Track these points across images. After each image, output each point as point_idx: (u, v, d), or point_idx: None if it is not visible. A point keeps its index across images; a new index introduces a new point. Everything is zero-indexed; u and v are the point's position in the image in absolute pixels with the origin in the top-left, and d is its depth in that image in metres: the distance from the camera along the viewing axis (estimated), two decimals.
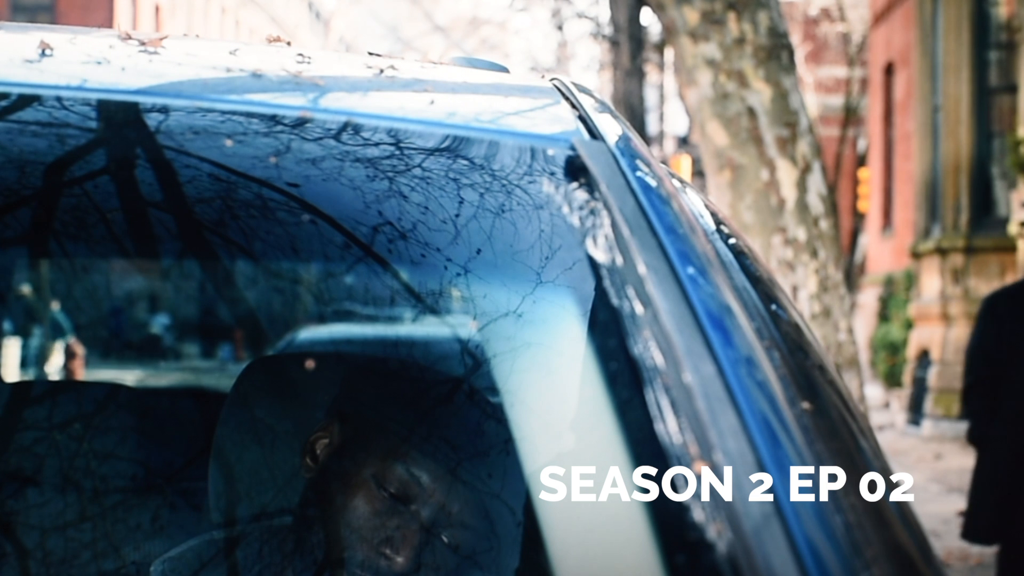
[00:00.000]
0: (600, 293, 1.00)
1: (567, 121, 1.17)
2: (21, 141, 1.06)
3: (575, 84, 1.29)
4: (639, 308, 0.95)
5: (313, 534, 1.31)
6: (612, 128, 1.16)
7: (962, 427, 6.31)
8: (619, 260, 0.99)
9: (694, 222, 1.08)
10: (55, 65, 1.11)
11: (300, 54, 1.25)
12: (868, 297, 16.97)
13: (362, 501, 1.28)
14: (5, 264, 1.73)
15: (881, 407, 14.50)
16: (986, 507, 4.71)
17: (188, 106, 1.09)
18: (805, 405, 0.94)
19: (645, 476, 0.87)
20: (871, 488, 1.00)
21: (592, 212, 1.04)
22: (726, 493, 0.81)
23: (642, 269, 0.96)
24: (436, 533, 1.29)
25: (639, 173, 1.08)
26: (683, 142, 24.98)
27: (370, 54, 1.38)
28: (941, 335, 12.29)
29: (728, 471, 0.82)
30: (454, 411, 1.38)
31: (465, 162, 1.11)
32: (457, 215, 1.09)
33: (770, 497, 0.81)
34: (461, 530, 1.30)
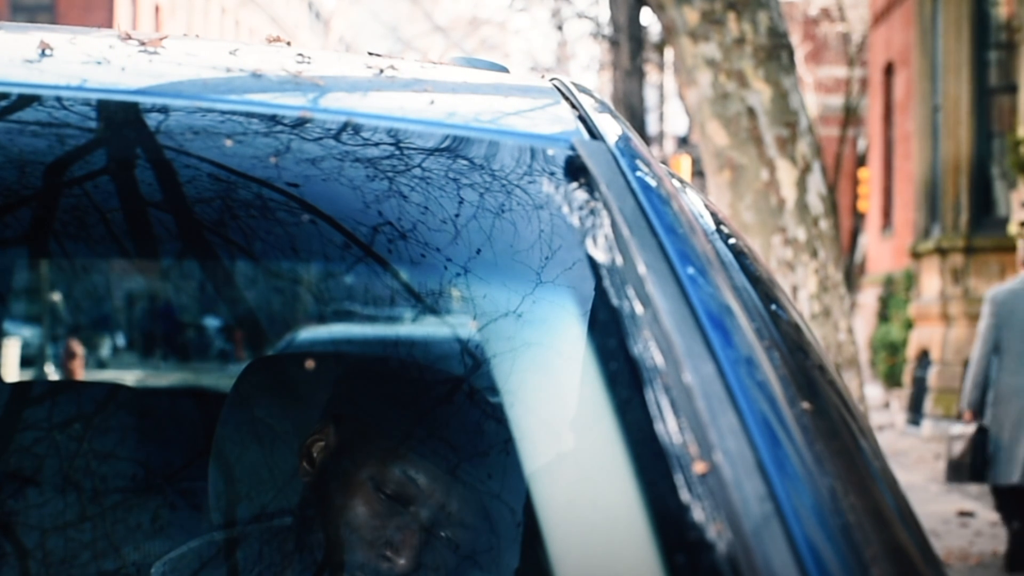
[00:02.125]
0: (600, 293, 0.99)
1: (567, 121, 1.17)
2: (21, 141, 1.06)
3: (575, 84, 1.29)
4: (639, 308, 0.95)
5: (313, 535, 1.31)
6: (612, 128, 1.16)
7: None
8: (619, 260, 0.99)
9: (694, 222, 1.08)
10: (55, 65, 1.11)
11: (300, 54, 1.25)
12: (868, 297, 16.97)
13: (361, 502, 1.28)
14: (5, 264, 1.73)
15: (881, 407, 14.50)
16: None
17: (188, 106, 1.09)
18: (805, 405, 0.94)
19: (645, 476, 0.87)
20: (871, 488, 1.00)
21: (592, 212, 1.04)
22: (726, 493, 0.81)
23: (642, 269, 0.96)
24: (436, 534, 1.29)
25: (639, 173, 1.08)
26: (683, 142, 24.97)
27: (370, 54, 1.38)
28: (941, 335, 12.28)
29: (728, 471, 0.82)
30: (454, 411, 1.38)
31: (465, 162, 1.11)
32: (457, 215, 1.09)
33: (770, 497, 0.81)
34: (461, 530, 1.30)
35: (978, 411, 6.50)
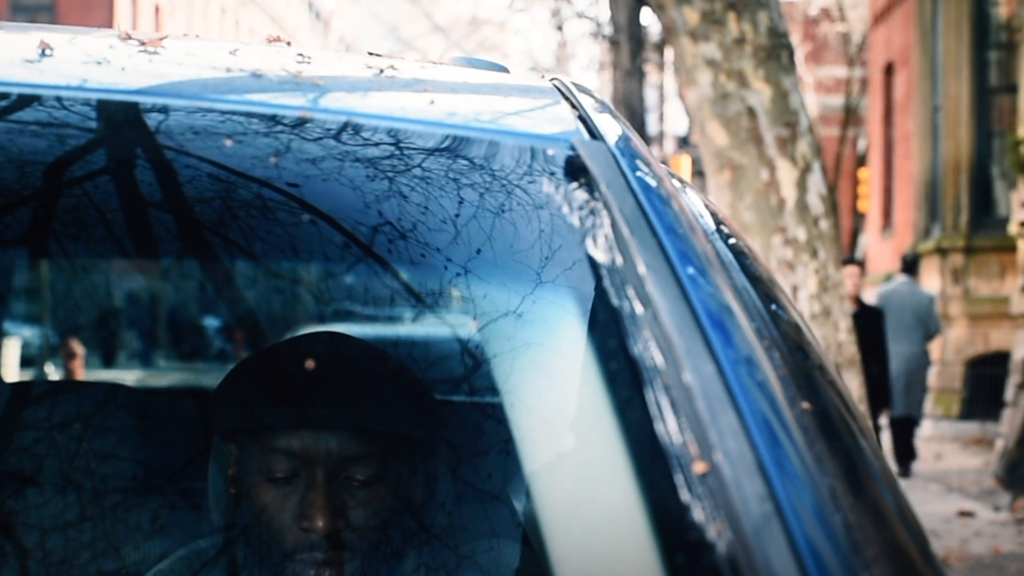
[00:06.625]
0: (600, 293, 1.00)
1: (567, 121, 1.17)
2: (21, 141, 1.06)
3: (575, 84, 1.29)
4: (639, 308, 0.95)
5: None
6: (612, 128, 1.16)
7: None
8: (619, 260, 0.99)
9: (694, 222, 1.08)
10: (55, 65, 1.12)
11: (300, 54, 1.25)
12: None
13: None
14: (5, 264, 1.73)
15: None
16: None
17: (188, 106, 1.09)
18: (805, 405, 0.94)
19: (645, 476, 0.87)
20: (871, 488, 1.00)
21: (592, 212, 1.04)
22: (726, 493, 0.81)
23: (642, 269, 0.96)
24: (436, 533, 1.29)
25: (639, 173, 1.08)
26: (683, 142, 24.97)
27: (370, 54, 1.38)
28: (941, 335, 12.28)
29: (728, 471, 0.82)
30: (454, 411, 1.38)
31: (465, 162, 1.11)
32: (457, 215, 1.09)
33: (770, 497, 0.81)
34: (461, 530, 1.30)
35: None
